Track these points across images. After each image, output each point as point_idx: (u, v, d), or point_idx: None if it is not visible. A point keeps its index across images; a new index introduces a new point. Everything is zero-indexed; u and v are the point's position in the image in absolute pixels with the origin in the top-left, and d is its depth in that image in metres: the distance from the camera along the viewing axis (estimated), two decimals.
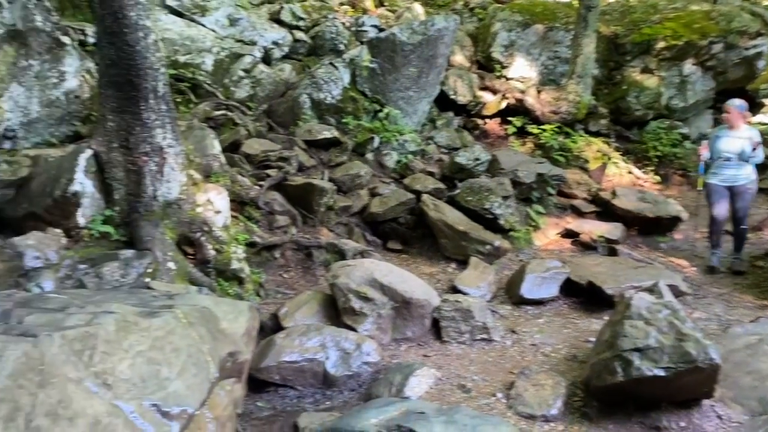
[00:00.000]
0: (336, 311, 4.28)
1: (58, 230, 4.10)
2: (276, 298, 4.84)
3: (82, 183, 4.18)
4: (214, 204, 4.60)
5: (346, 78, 7.01)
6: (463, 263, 5.63)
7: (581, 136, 8.20)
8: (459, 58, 8.78)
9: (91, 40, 6.38)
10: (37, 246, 3.86)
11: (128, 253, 3.95)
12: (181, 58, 6.52)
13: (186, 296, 2.91)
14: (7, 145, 5.20)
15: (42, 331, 1.96)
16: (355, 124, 6.80)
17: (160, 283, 3.60)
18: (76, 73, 5.65)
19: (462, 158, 6.71)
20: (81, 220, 4.17)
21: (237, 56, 6.94)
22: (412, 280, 4.56)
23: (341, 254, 5.32)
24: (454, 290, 5.03)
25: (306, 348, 3.78)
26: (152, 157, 4.21)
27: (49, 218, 4.19)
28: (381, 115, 6.98)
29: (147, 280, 3.82)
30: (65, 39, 5.58)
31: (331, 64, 7.01)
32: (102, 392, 1.87)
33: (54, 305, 2.43)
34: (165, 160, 4.26)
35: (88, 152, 4.25)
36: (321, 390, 3.71)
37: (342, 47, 7.55)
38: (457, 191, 6.25)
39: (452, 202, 6.15)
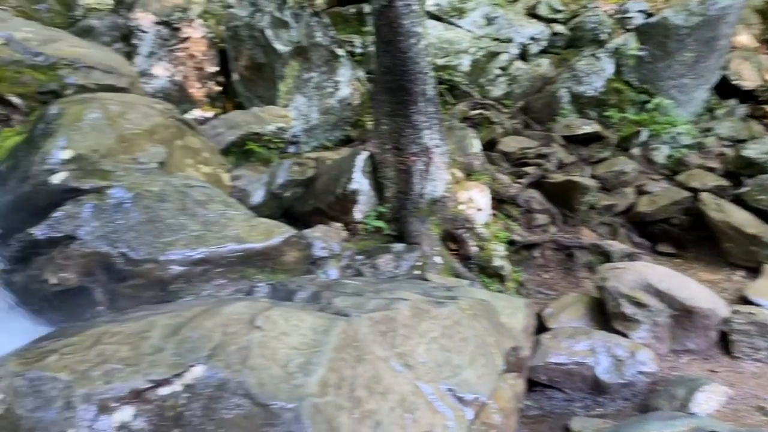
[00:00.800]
0: (604, 316, 4.15)
1: (338, 224, 4.59)
2: (536, 298, 4.84)
3: (359, 182, 4.63)
4: (476, 202, 4.78)
5: (610, 69, 6.72)
6: (753, 271, 5.03)
7: None
8: (744, 39, 7.80)
9: (358, 50, 7.03)
10: (323, 238, 4.33)
11: (399, 246, 4.29)
12: (439, 61, 6.84)
13: (463, 289, 3.07)
14: (291, 149, 6.00)
15: (352, 312, 2.23)
16: (619, 117, 6.49)
17: (435, 275, 3.84)
18: (348, 82, 6.29)
19: (751, 151, 5.97)
20: (358, 215, 4.63)
21: (493, 55, 7.09)
22: (694, 287, 4.21)
23: (606, 256, 5.13)
24: (745, 301, 4.52)
25: (574, 351, 3.74)
26: (420, 157, 4.51)
27: (331, 213, 4.72)
28: (649, 106, 6.54)
29: (417, 272, 4.11)
30: (339, 51, 6.25)
31: (592, 55, 6.79)
32: (405, 372, 2.06)
33: (351, 290, 2.74)
34: (432, 159, 4.54)
35: (365, 154, 4.70)
36: (591, 395, 3.65)
37: (604, 37, 7.23)
38: (745, 189, 5.57)
39: (738, 201, 5.51)
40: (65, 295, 3.13)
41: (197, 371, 1.81)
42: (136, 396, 1.77)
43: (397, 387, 1.99)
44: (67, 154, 3.50)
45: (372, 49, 6.81)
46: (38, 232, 3.21)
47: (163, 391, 1.78)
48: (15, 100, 3.97)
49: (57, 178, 3.40)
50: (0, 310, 3.23)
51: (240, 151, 5.46)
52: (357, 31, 7.21)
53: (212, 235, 3.31)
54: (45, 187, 3.39)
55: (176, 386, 1.78)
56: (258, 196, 4.97)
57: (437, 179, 4.57)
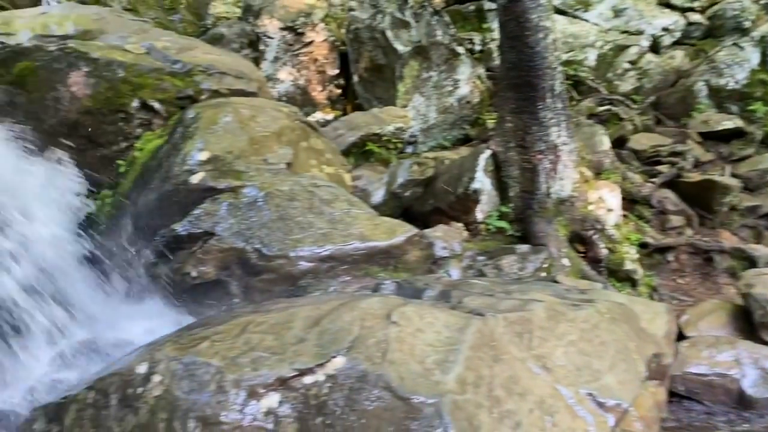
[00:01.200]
0: (750, 325, 3.87)
1: (459, 224, 4.58)
2: (671, 305, 4.59)
3: (482, 181, 4.59)
4: (606, 202, 4.61)
5: (755, 59, 6.27)
6: None
7: None
8: None
9: (478, 48, 7.00)
10: (444, 237, 4.32)
11: (524, 247, 4.21)
12: (564, 56, 6.66)
13: (598, 292, 2.98)
14: (409, 149, 6.06)
15: (485, 311, 2.22)
16: (764, 111, 6.02)
17: (566, 278, 3.75)
18: (467, 80, 6.26)
19: None
20: (479, 215, 4.59)
21: (621, 48, 6.84)
22: None
23: (750, 261, 4.77)
24: None
25: (716, 361, 3.52)
26: (547, 155, 4.42)
27: (451, 213, 4.71)
28: None
29: (543, 274, 4.02)
30: (459, 49, 6.23)
31: (734, 44, 6.36)
32: (543, 375, 2.03)
33: (479, 290, 2.73)
34: (559, 157, 4.43)
35: (487, 152, 4.66)
36: (735, 410, 3.41)
37: (748, 24, 6.75)
38: None
39: None
40: (203, 287, 3.35)
41: (338, 362, 1.88)
42: (282, 383, 1.86)
43: (535, 389, 1.97)
44: (204, 156, 3.74)
45: (492, 45, 6.78)
46: (180, 228, 3.46)
47: (307, 379, 1.86)
48: (156, 105, 4.28)
49: (196, 178, 3.64)
50: (147, 300, 3.52)
51: (360, 152, 5.59)
52: (476, 29, 7.19)
53: (338, 233, 3.42)
54: (185, 186, 3.64)
55: (319, 376, 1.86)
56: (378, 195, 5.06)
57: (565, 178, 4.45)
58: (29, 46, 4.21)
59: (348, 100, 6.65)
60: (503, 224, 4.53)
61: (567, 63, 6.64)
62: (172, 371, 1.93)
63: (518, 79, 4.35)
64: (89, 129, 4.19)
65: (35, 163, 3.67)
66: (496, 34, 6.68)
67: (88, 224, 3.84)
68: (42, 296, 3.09)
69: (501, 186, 4.64)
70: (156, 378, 1.93)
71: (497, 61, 6.46)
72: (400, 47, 5.97)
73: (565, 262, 4.21)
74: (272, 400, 1.83)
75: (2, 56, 4.20)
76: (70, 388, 2.15)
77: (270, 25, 6.36)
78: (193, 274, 3.34)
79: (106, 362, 2.51)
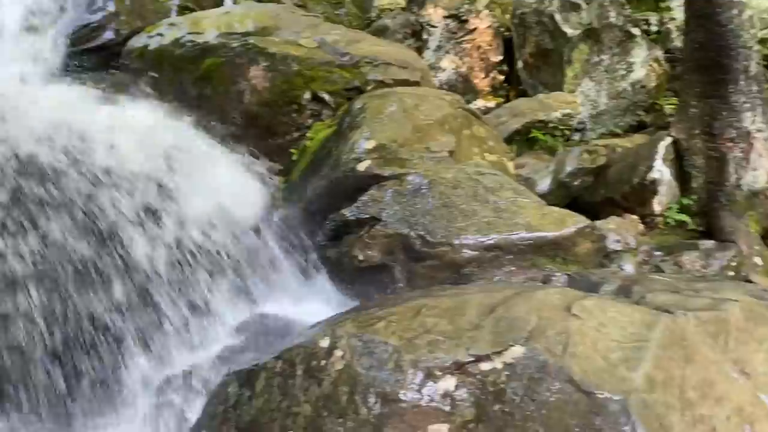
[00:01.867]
0: None
1: (634, 216, 4.36)
2: None
3: (660, 171, 4.34)
4: None
5: None
6: None
7: None
8: None
9: (654, 29, 6.57)
10: (617, 230, 4.14)
11: (708, 243, 3.93)
12: (758, 33, 6.07)
13: None
14: (576, 136, 5.85)
15: (673, 309, 2.10)
16: None
17: (761, 278, 3.46)
18: (643, 64, 5.93)
19: None
20: (656, 207, 4.34)
21: None
22: None
23: None
24: None
25: None
26: (738, 143, 4.09)
27: (625, 204, 4.50)
28: None
29: (730, 273, 3.73)
30: (635, 30, 5.91)
31: None
32: (741, 380, 1.89)
33: (663, 286, 2.58)
34: (752, 146, 4.09)
35: (668, 140, 4.39)
36: None
37: None
38: None
39: None
40: (368, 270, 3.48)
41: (516, 351, 1.87)
42: (459, 368, 1.89)
43: (733, 394, 1.83)
44: (370, 144, 3.88)
45: (670, 26, 6.34)
46: (349, 213, 3.62)
47: (484, 366, 1.87)
48: (326, 96, 4.50)
49: (362, 166, 3.79)
50: (317, 280, 3.74)
51: (523, 139, 5.50)
52: (652, 8, 6.75)
53: (503, 222, 3.39)
54: (353, 174, 3.80)
55: (497, 363, 1.86)
56: (544, 184, 4.94)
57: (758, 168, 4.09)
58: (215, 43, 4.61)
59: (511, 86, 6.55)
60: (684, 217, 4.26)
61: (762, 41, 6.04)
62: (353, 347, 2.03)
63: (706, 60, 4.05)
64: (267, 120, 4.51)
65: (223, 150, 4.02)
66: (676, 14, 6.25)
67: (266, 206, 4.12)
68: (228, 268, 3.40)
69: (682, 176, 4.36)
70: (338, 353, 2.04)
71: (676, 43, 6.05)
72: (570, 30, 5.79)
73: (758, 260, 3.87)
74: (449, 383, 1.86)
75: (193, 54, 4.64)
76: (258, 356, 2.33)
77: (434, 14, 6.42)
78: (360, 257, 3.48)
79: (285, 335, 2.69)
